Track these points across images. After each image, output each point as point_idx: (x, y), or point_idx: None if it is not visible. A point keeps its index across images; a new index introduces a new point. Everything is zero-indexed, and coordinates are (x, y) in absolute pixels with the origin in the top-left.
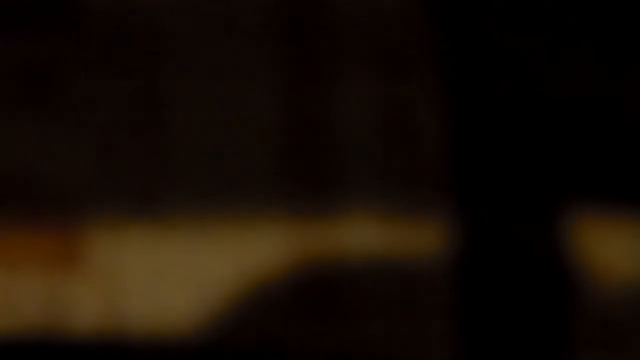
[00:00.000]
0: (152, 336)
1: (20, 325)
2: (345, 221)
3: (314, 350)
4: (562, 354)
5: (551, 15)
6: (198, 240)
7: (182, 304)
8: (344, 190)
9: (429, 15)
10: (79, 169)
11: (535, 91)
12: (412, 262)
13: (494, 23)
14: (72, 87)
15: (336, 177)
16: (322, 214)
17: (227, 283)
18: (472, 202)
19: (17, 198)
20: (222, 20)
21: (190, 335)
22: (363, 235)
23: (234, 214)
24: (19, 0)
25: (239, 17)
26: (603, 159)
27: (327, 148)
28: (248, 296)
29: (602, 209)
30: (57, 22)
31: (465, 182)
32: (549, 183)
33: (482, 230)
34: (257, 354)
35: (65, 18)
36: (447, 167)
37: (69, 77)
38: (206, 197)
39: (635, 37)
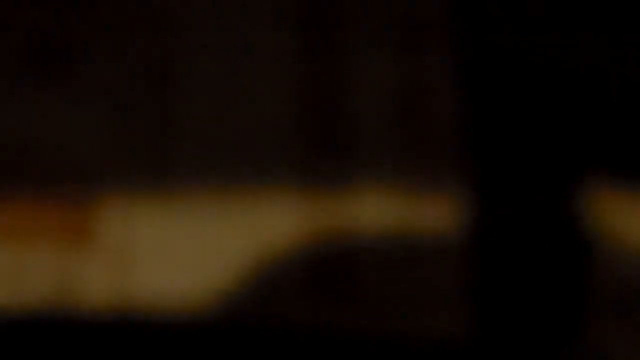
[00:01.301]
0: (162, 312)
1: (30, 301)
2: (358, 196)
3: (326, 326)
4: (579, 326)
5: None
6: (210, 215)
7: (193, 280)
8: (357, 165)
9: None
10: (90, 143)
11: (553, 63)
12: (426, 237)
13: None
14: (85, 59)
15: (350, 152)
16: (335, 189)
17: (239, 259)
18: (487, 176)
19: (28, 173)
20: None
21: (202, 312)
22: (376, 210)
23: (247, 189)
24: None
25: None
26: (620, 132)
27: (340, 123)
28: (260, 272)
29: (619, 181)
30: None
31: (479, 156)
32: (565, 156)
33: (497, 204)
34: (269, 331)
35: None
36: (462, 141)
37: (82, 49)
38: (219, 171)
39: None
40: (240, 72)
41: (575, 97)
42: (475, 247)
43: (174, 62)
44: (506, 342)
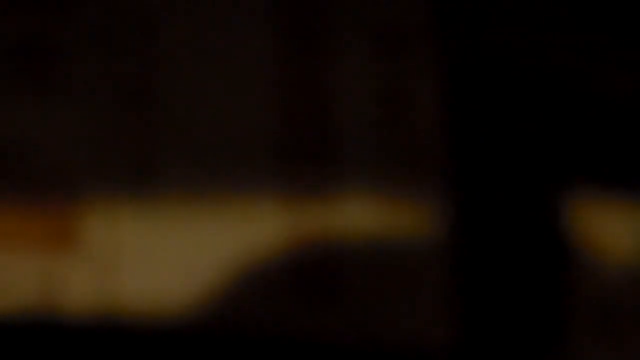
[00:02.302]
0: (146, 316)
1: (14, 306)
2: (342, 201)
3: (310, 331)
4: (560, 336)
5: None
6: (194, 220)
7: (177, 284)
8: (341, 170)
9: None
10: (74, 147)
11: (536, 70)
12: (410, 243)
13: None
14: (67, 63)
15: (334, 157)
16: (319, 194)
17: (224, 263)
18: (469, 183)
19: (11, 178)
20: None
21: (186, 316)
22: (360, 216)
23: (231, 194)
24: None
25: None
26: (603, 142)
27: (324, 128)
28: (244, 277)
29: (603, 189)
30: None
31: (462, 163)
32: (548, 165)
33: (479, 211)
34: (253, 335)
35: None
36: (445, 148)
37: (65, 53)
38: (203, 176)
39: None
40: (223, 78)
41: (559, 103)
42: (457, 253)
43: (158, 69)
44: (488, 348)
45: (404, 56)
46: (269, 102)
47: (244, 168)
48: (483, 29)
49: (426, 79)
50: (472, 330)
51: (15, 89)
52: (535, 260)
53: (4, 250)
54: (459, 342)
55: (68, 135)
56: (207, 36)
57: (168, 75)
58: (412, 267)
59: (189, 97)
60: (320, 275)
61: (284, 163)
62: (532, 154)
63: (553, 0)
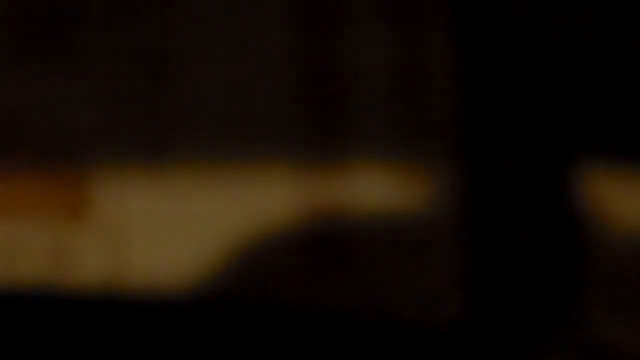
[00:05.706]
0: (156, 287)
1: (23, 276)
2: (355, 172)
3: (321, 304)
4: (575, 307)
5: None
6: (205, 191)
7: (188, 256)
8: (354, 141)
9: None
10: (85, 117)
11: (550, 42)
12: (422, 215)
13: None
14: (80, 31)
15: (347, 128)
16: (332, 165)
17: (234, 235)
18: (482, 154)
19: (21, 146)
20: None
21: (196, 287)
22: (372, 186)
23: (243, 165)
24: None
25: None
26: (615, 114)
27: (338, 98)
28: (254, 248)
29: (616, 162)
30: None
31: (476, 134)
32: (561, 136)
33: (491, 183)
34: (262, 307)
35: None
36: (459, 119)
37: (78, 22)
38: (214, 146)
39: None
40: (237, 47)
41: (572, 75)
42: (470, 226)
43: (172, 37)
44: (500, 321)
45: (418, 26)
46: (283, 71)
47: (257, 138)
48: (497, 1)
49: (440, 49)
50: (484, 303)
51: (30, 57)
52: (548, 232)
53: (15, 221)
54: (470, 315)
55: (81, 104)
56: (222, 4)
57: (182, 44)
58: (424, 239)
59: (203, 66)
60: (331, 246)
61: (297, 133)
62: (544, 125)
63: None
